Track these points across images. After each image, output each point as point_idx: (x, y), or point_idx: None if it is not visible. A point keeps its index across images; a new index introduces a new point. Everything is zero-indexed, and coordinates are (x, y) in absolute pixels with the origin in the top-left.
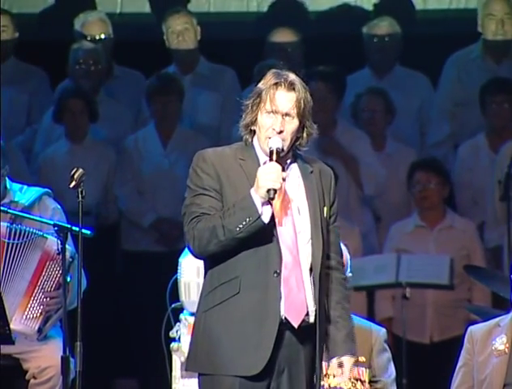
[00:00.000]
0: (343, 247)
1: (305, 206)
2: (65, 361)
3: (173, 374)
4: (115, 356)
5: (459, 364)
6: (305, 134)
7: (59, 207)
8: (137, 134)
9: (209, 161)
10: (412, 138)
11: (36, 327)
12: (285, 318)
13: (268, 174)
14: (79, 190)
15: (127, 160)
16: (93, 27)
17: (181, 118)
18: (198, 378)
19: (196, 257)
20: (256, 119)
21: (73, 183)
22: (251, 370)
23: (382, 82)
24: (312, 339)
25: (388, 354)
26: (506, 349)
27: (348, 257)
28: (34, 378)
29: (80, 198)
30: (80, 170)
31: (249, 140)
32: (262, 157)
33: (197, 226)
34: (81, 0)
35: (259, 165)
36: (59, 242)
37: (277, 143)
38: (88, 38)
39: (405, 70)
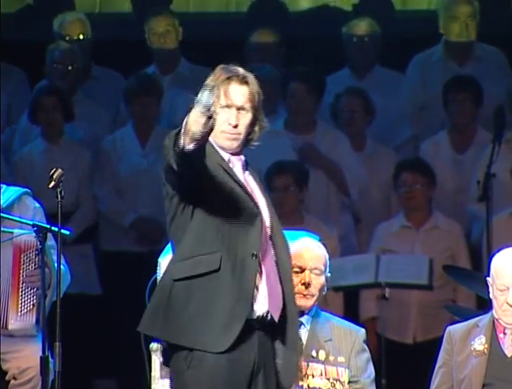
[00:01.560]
0: (322, 247)
1: (265, 208)
2: (44, 362)
3: (153, 374)
4: (94, 356)
5: (438, 364)
6: (257, 128)
7: (39, 206)
8: (115, 134)
9: None
10: (391, 139)
11: (34, 320)
12: (267, 312)
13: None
14: (58, 190)
15: (105, 160)
16: (72, 27)
17: (159, 118)
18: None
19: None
20: None
21: (52, 183)
22: (216, 347)
23: (362, 82)
24: (280, 337)
25: (367, 354)
26: (485, 350)
27: (327, 257)
28: (14, 378)
29: (59, 199)
30: (59, 170)
31: None
32: (223, 154)
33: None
34: (60, 0)
35: (223, 160)
36: (34, 239)
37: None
38: (67, 38)
39: (385, 71)
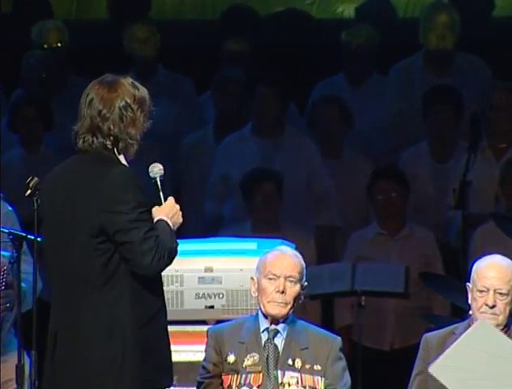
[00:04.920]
0: (298, 255)
1: None
2: (19, 371)
3: None
4: None
5: (415, 371)
6: None
7: (11, 209)
8: None
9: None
10: (384, 149)
11: None
12: None
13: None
14: (35, 198)
15: None
16: (50, 34)
17: None
18: None
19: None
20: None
21: (28, 191)
22: None
23: (358, 90)
24: None
25: (343, 362)
26: None
27: (303, 265)
28: None
29: (35, 207)
30: (36, 179)
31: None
32: None
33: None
34: (38, 8)
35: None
36: (4, 260)
37: (159, 170)
38: (45, 46)
39: (381, 78)
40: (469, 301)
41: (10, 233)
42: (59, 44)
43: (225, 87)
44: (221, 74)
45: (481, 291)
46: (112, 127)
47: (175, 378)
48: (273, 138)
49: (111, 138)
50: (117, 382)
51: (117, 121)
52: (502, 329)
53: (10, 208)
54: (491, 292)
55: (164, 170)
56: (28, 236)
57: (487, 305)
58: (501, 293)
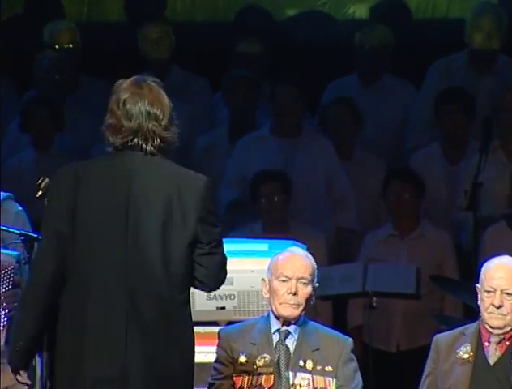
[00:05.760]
0: (310, 256)
1: None
2: (31, 372)
3: None
4: None
5: (425, 373)
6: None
7: (21, 209)
8: (103, 143)
9: None
10: (396, 149)
11: (2, 341)
12: None
13: None
14: (46, 199)
15: None
16: (62, 35)
17: None
18: None
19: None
20: None
21: (39, 192)
22: None
23: (370, 90)
24: None
25: (355, 364)
26: (470, 358)
27: (315, 266)
28: None
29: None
30: (47, 180)
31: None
32: None
33: None
34: (50, 9)
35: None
36: (11, 258)
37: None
38: (57, 47)
39: (395, 79)
40: (478, 302)
41: (21, 234)
42: (71, 45)
43: (234, 87)
44: (229, 74)
45: (488, 291)
46: None
47: None
48: (292, 139)
49: None
50: None
51: None
52: (511, 329)
53: (20, 208)
54: (498, 293)
55: None
56: (40, 237)
57: (494, 305)
58: (508, 293)
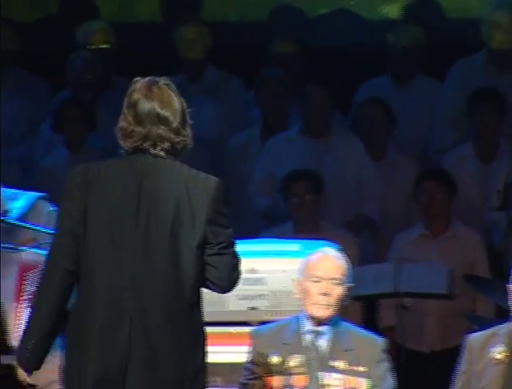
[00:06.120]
0: (341, 256)
1: None
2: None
3: None
4: None
5: (459, 373)
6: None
7: (54, 209)
8: None
9: None
10: (427, 150)
11: None
12: None
13: None
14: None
15: None
16: (97, 36)
17: None
18: None
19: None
20: None
21: None
22: None
23: (402, 90)
24: None
25: (387, 364)
26: (504, 358)
27: (347, 267)
28: None
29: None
30: None
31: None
32: None
33: None
34: (84, 9)
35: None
36: (40, 258)
37: None
38: (91, 47)
39: (428, 80)
40: (509, 303)
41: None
42: (105, 46)
43: (265, 87)
44: (260, 75)
45: None
46: None
47: (219, 379)
48: (322, 139)
49: None
50: None
51: None
52: None
53: (52, 208)
54: None
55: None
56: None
57: None
58: None
